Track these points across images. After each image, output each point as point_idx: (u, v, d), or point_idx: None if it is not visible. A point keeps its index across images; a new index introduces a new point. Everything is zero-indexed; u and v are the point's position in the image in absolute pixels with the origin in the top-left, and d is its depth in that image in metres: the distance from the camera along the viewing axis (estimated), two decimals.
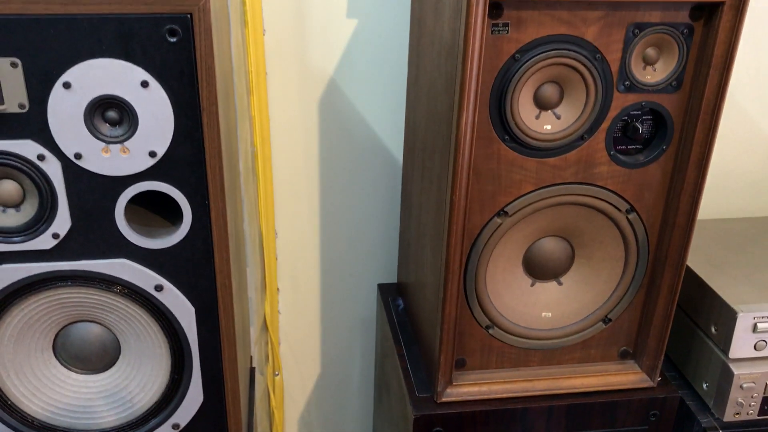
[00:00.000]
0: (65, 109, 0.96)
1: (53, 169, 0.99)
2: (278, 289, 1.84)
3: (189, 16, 0.94)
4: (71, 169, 1.00)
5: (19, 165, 0.98)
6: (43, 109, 0.96)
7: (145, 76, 0.96)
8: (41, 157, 0.98)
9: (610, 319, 1.39)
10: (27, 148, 0.98)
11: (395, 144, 1.72)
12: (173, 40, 0.94)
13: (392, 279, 1.85)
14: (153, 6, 0.93)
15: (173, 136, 1.00)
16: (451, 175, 1.18)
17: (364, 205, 1.78)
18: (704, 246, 1.60)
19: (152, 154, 1.00)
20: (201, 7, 0.93)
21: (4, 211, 1.02)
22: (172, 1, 0.93)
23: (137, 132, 0.99)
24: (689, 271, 1.49)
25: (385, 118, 1.69)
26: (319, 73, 1.63)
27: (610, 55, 1.17)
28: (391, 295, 1.71)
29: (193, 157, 1.02)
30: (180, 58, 0.96)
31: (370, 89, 1.66)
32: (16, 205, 1.02)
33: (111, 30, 0.93)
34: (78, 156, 0.99)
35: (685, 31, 1.16)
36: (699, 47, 1.18)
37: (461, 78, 1.11)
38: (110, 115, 0.98)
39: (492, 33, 1.12)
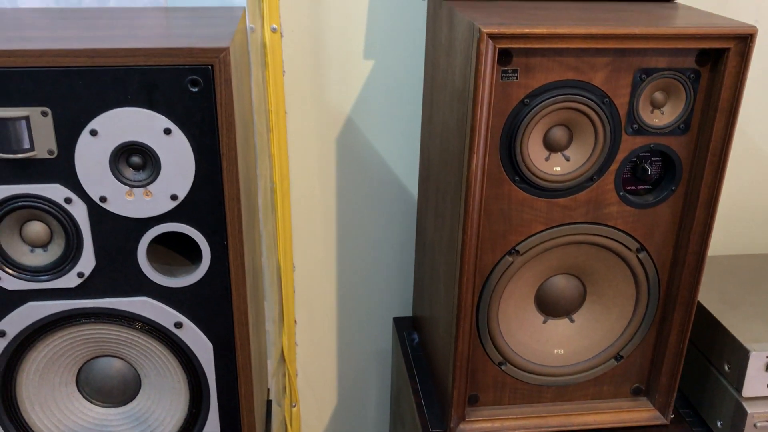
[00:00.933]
0: (92, 154, 1.01)
1: (79, 211, 1.04)
2: (295, 321, 1.87)
3: (210, 67, 0.98)
4: (96, 212, 1.04)
5: (47, 207, 1.03)
6: (70, 154, 1.01)
7: (168, 123, 1.00)
8: (68, 200, 1.03)
9: (622, 356, 1.40)
10: (55, 192, 1.02)
11: (410, 181, 1.75)
12: (195, 90, 0.99)
13: (407, 312, 1.87)
14: (176, 58, 0.97)
15: (194, 180, 1.04)
16: (462, 215, 1.21)
17: (380, 240, 1.81)
18: (717, 282, 1.61)
19: (174, 197, 1.05)
20: (221, 59, 0.98)
21: (32, 251, 1.07)
22: (195, 54, 0.97)
23: (160, 176, 1.03)
24: (701, 308, 1.50)
25: (400, 155, 1.73)
26: (336, 112, 1.68)
27: (618, 99, 1.20)
28: (407, 328, 1.74)
29: (212, 199, 1.06)
30: (201, 106, 1.00)
31: (386, 128, 1.70)
32: (44, 245, 1.07)
33: (136, 80, 0.98)
34: (103, 199, 1.03)
35: (691, 75, 1.19)
36: (706, 91, 1.21)
37: (471, 121, 1.14)
38: (134, 160, 1.03)
39: (502, 79, 1.16)
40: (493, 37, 1.09)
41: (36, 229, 1.05)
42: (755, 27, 1.14)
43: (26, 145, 0.99)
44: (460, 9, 1.22)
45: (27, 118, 0.98)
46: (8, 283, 1.06)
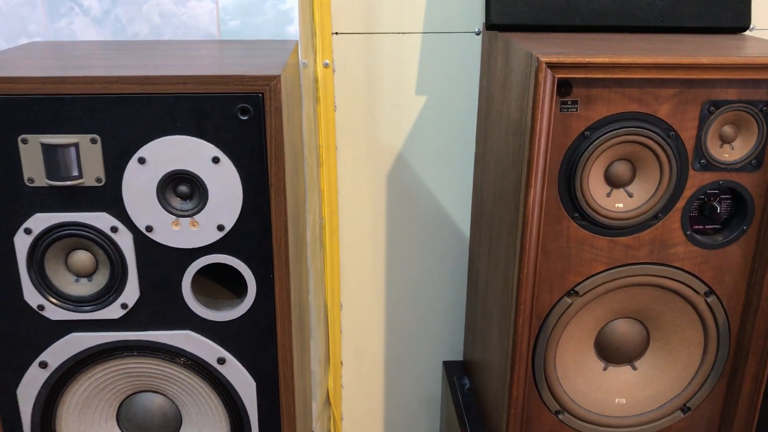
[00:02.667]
0: (139, 183, 0.99)
1: (125, 240, 1.02)
2: (342, 362, 1.82)
3: (260, 95, 0.96)
4: (142, 241, 1.02)
5: (93, 236, 1.01)
6: (118, 183, 0.99)
7: (217, 152, 0.98)
8: (114, 229, 1.01)
9: (689, 408, 1.31)
10: (101, 221, 1.01)
11: (462, 219, 1.70)
12: (245, 118, 0.97)
13: (458, 356, 1.81)
14: (226, 86, 0.96)
15: (241, 210, 1.01)
16: (518, 253, 1.15)
17: (430, 280, 1.76)
18: None
19: (220, 228, 1.02)
20: (272, 87, 0.96)
21: (77, 280, 1.05)
22: (245, 82, 0.96)
23: (207, 206, 1.01)
24: None
25: (452, 192, 1.68)
26: (387, 148, 1.65)
27: (685, 132, 1.14)
28: (457, 373, 1.67)
29: (259, 231, 1.03)
30: (250, 135, 0.98)
31: (438, 164, 1.66)
32: (89, 275, 1.05)
33: (185, 108, 0.96)
34: (149, 228, 1.01)
35: (764, 108, 1.13)
36: None
37: (528, 154, 1.09)
38: (181, 189, 1.01)
39: (561, 111, 1.11)
40: (552, 66, 1.05)
41: (82, 258, 1.03)
42: None
43: (75, 173, 0.98)
44: (518, 40, 1.18)
45: (76, 146, 0.97)
46: (52, 312, 1.05)
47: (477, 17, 1.56)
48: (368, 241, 1.72)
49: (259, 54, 1.17)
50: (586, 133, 1.12)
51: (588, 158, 1.13)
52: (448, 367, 1.70)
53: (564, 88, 1.09)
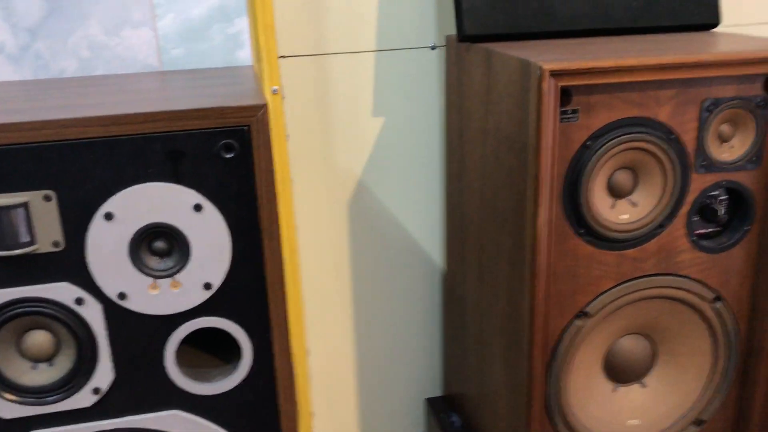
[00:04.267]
0: (107, 243, 0.83)
1: (93, 313, 0.85)
2: (313, 413, 1.67)
3: (246, 128, 0.83)
4: (114, 312, 0.86)
5: (53, 312, 0.84)
6: (81, 245, 0.83)
7: (198, 198, 0.84)
8: (79, 301, 0.84)
9: (703, 421, 1.25)
10: (62, 292, 0.84)
11: (433, 244, 1.60)
12: (229, 156, 0.83)
13: (437, 392, 1.69)
14: (205, 121, 0.82)
15: (230, 263, 0.87)
16: (529, 278, 1.06)
17: (401, 313, 1.64)
18: None
19: (207, 286, 0.87)
20: (259, 119, 0.83)
21: (35, 367, 0.87)
22: (227, 114, 0.82)
23: (189, 262, 0.86)
24: None
25: (419, 217, 1.58)
26: (347, 175, 1.53)
27: (685, 134, 1.08)
28: (443, 410, 1.56)
29: (252, 285, 0.89)
30: (237, 175, 0.84)
31: (402, 187, 1.56)
32: (49, 359, 0.87)
33: (158, 150, 0.82)
34: (122, 296, 0.85)
35: (761, 102, 1.09)
36: None
37: (536, 172, 1.01)
38: (158, 245, 0.85)
39: (561, 121, 1.03)
40: (555, 74, 0.97)
41: (39, 340, 0.86)
42: None
43: (24, 239, 0.81)
44: (502, 50, 1.10)
45: (25, 206, 0.80)
46: (6, 410, 0.86)
47: (430, 32, 1.47)
48: (332, 277, 1.59)
49: (222, 83, 1.03)
50: (588, 143, 1.05)
51: (592, 170, 1.06)
52: (432, 404, 1.59)
53: (564, 96, 1.02)
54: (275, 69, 1.44)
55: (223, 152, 0.83)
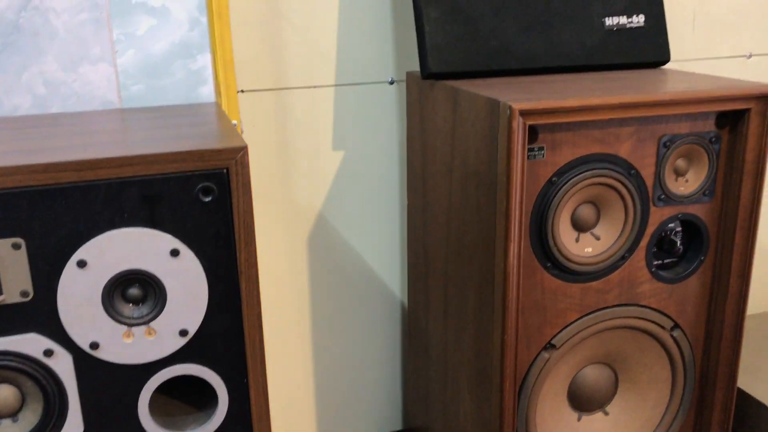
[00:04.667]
0: (79, 291, 0.80)
1: (63, 365, 0.82)
2: None
3: (225, 171, 0.82)
4: (85, 363, 0.83)
5: (18, 366, 0.80)
6: (51, 295, 0.80)
7: (175, 243, 0.82)
8: (48, 353, 0.81)
9: None
10: (30, 344, 0.80)
11: (392, 278, 1.60)
12: (207, 199, 0.82)
13: (397, 425, 1.69)
14: (183, 164, 0.80)
15: (207, 308, 0.85)
16: (501, 312, 1.07)
17: (362, 346, 1.63)
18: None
19: (183, 333, 0.85)
20: (239, 161, 0.82)
21: None
22: (206, 157, 0.81)
23: (165, 309, 0.83)
24: (742, 392, 1.41)
25: (379, 250, 1.58)
26: (306, 210, 1.52)
27: (644, 169, 1.12)
28: None
29: (229, 330, 0.87)
30: (214, 218, 0.83)
31: (362, 221, 1.56)
32: (13, 414, 0.83)
33: (134, 195, 0.79)
34: (94, 345, 0.82)
35: (713, 138, 1.14)
36: (728, 154, 1.15)
37: (506, 208, 1.02)
38: (133, 292, 0.83)
39: (528, 158, 1.05)
40: (524, 113, 0.99)
41: (2, 395, 0.82)
42: None
43: None
44: (469, 87, 1.12)
45: None
46: None
47: (389, 67, 1.49)
48: (292, 310, 1.57)
49: (193, 121, 1.02)
50: (553, 179, 1.08)
51: (558, 204, 1.08)
52: None
53: (531, 134, 1.04)
54: (234, 104, 1.43)
55: (201, 196, 0.81)
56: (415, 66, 1.47)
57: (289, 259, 1.54)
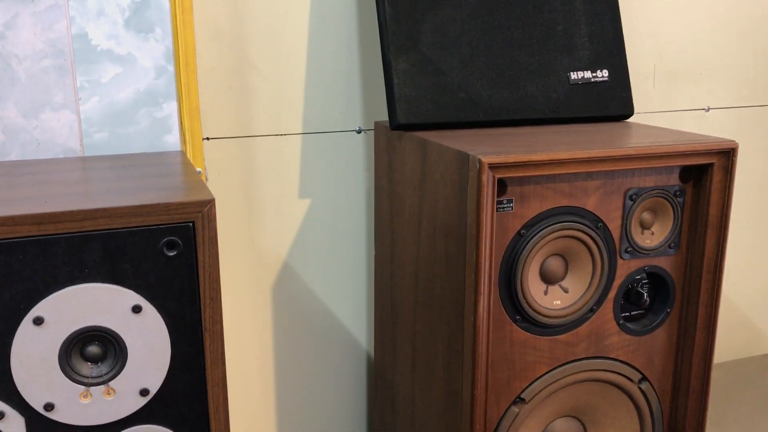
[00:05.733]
0: (35, 350, 0.76)
1: (14, 427, 0.78)
2: None
3: (191, 224, 0.79)
4: (38, 425, 0.79)
5: None
6: (4, 353, 0.76)
7: (137, 299, 0.79)
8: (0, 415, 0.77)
9: None
10: None
11: (359, 328, 1.58)
12: (172, 254, 0.79)
13: None
14: (148, 218, 0.78)
15: (169, 367, 0.82)
16: (469, 367, 1.06)
17: (327, 398, 1.60)
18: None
19: (144, 393, 0.81)
20: (205, 214, 0.80)
21: None
22: (172, 210, 0.78)
23: (126, 368, 0.80)
24: None
25: (345, 301, 1.56)
26: (271, 258, 1.49)
27: (611, 222, 1.13)
28: None
29: (192, 389, 0.84)
30: (179, 273, 0.80)
31: (327, 270, 1.54)
32: None
33: (96, 249, 0.77)
34: (49, 407, 0.78)
35: (677, 192, 1.15)
36: (692, 208, 1.17)
37: (476, 260, 1.02)
38: (92, 350, 0.79)
39: (497, 210, 1.05)
40: (493, 167, 0.99)
41: None
42: (736, 141, 1.13)
43: None
44: (437, 139, 1.12)
45: None
46: None
47: (356, 116, 1.49)
48: (255, 361, 1.53)
49: (157, 172, 0.99)
50: (522, 231, 1.08)
51: (527, 257, 1.08)
52: None
53: (500, 187, 1.04)
54: (199, 151, 1.41)
55: (165, 250, 0.79)
56: (382, 116, 1.47)
57: (252, 309, 1.51)
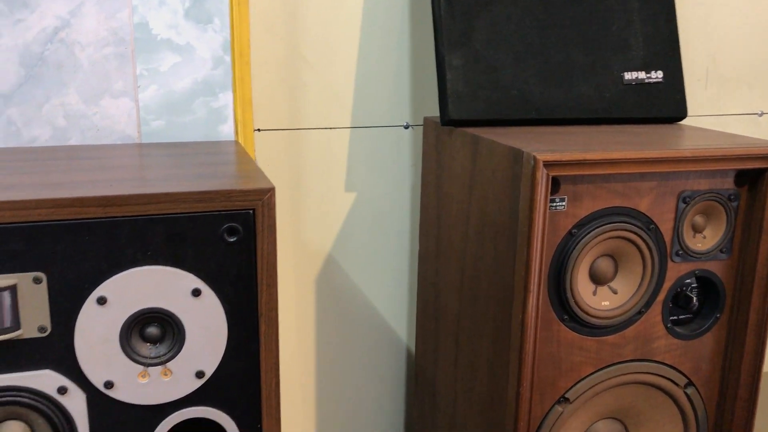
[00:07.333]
0: (97, 329, 0.78)
1: (76, 403, 0.80)
2: None
3: (251, 212, 0.81)
4: (98, 402, 0.81)
5: (31, 402, 0.78)
6: (69, 331, 0.78)
7: (197, 283, 0.81)
8: (62, 390, 0.79)
9: None
10: (44, 381, 0.78)
11: (399, 323, 1.59)
12: (232, 239, 0.81)
13: None
14: (210, 204, 0.79)
15: (225, 350, 0.83)
16: (515, 365, 1.06)
17: (365, 391, 1.61)
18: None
19: (199, 375, 0.83)
20: (265, 202, 0.81)
21: None
22: (234, 197, 0.80)
23: (183, 349, 0.82)
24: None
25: (386, 293, 1.57)
26: (315, 250, 1.51)
27: (663, 224, 1.12)
28: None
29: (245, 373, 0.85)
30: (238, 259, 0.82)
31: (371, 264, 1.55)
32: None
33: (159, 233, 0.78)
34: (109, 385, 0.80)
35: (731, 197, 1.14)
36: (746, 212, 1.15)
37: (526, 259, 1.02)
38: (151, 331, 0.81)
39: (549, 209, 1.05)
40: (548, 164, 0.99)
41: (11, 431, 0.79)
42: None
43: (8, 324, 0.76)
44: (490, 136, 1.12)
45: (13, 288, 0.75)
46: None
47: (404, 111, 1.49)
48: (295, 354, 1.55)
49: (214, 160, 1.01)
50: (573, 230, 1.07)
51: (577, 257, 1.07)
52: None
53: (553, 185, 1.04)
54: (250, 142, 1.43)
55: (226, 236, 0.80)
56: (428, 112, 1.48)
57: (295, 300, 1.52)
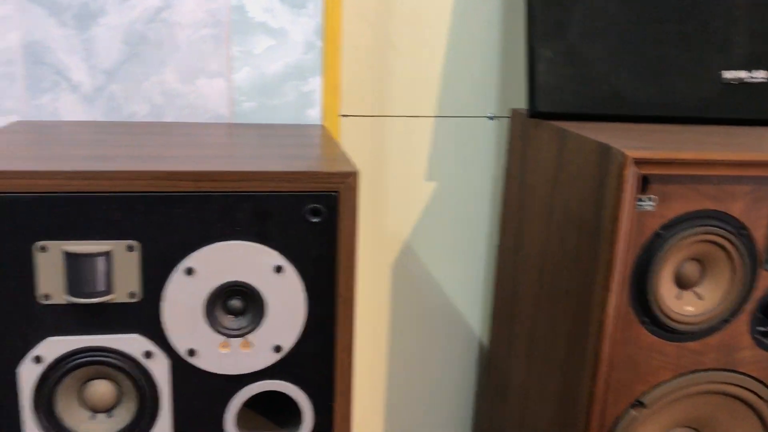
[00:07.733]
0: (184, 298, 0.82)
1: (160, 367, 0.83)
2: None
3: (335, 194, 0.82)
4: (181, 368, 0.84)
5: (119, 364, 0.82)
6: (157, 298, 0.82)
7: (280, 260, 0.83)
8: (148, 354, 0.83)
9: None
10: (132, 344, 0.82)
11: (473, 315, 1.58)
12: (315, 220, 0.82)
13: None
14: (297, 184, 0.81)
15: (303, 327, 0.85)
16: (591, 365, 1.04)
17: (434, 379, 1.61)
18: None
19: (277, 349, 0.85)
20: (348, 185, 0.82)
21: (93, 416, 0.85)
22: (319, 178, 0.82)
23: (263, 323, 0.84)
24: None
25: (462, 285, 1.57)
26: (394, 236, 1.52)
27: (756, 231, 1.07)
28: None
29: (321, 351, 0.87)
30: (320, 239, 0.83)
31: (448, 255, 1.55)
32: (108, 410, 0.85)
33: (247, 209, 0.81)
34: (192, 352, 0.84)
35: None
36: None
37: (609, 257, 0.99)
38: (234, 304, 0.84)
39: (636, 208, 1.02)
40: (638, 162, 0.96)
41: (101, 389, 0.84)
42: None
43: (101, 288, 0.80)
44: (578, 130, 1.10)
45: (108, 255, 0.79)
46: None
47: (490, 102, 1.48)
48: (369, 337, 1.57)
49: (303, 142, 1.03)
50: (660, 231, 1.04)
51: (662, 258, 1.04)
52: None
53: (643, 184, 1.01)
54: (335, 127, 1.45)
55: (309, 216, 0.82)
56: (514, 104, 1.46)
57: (371, 284, 1.54)
